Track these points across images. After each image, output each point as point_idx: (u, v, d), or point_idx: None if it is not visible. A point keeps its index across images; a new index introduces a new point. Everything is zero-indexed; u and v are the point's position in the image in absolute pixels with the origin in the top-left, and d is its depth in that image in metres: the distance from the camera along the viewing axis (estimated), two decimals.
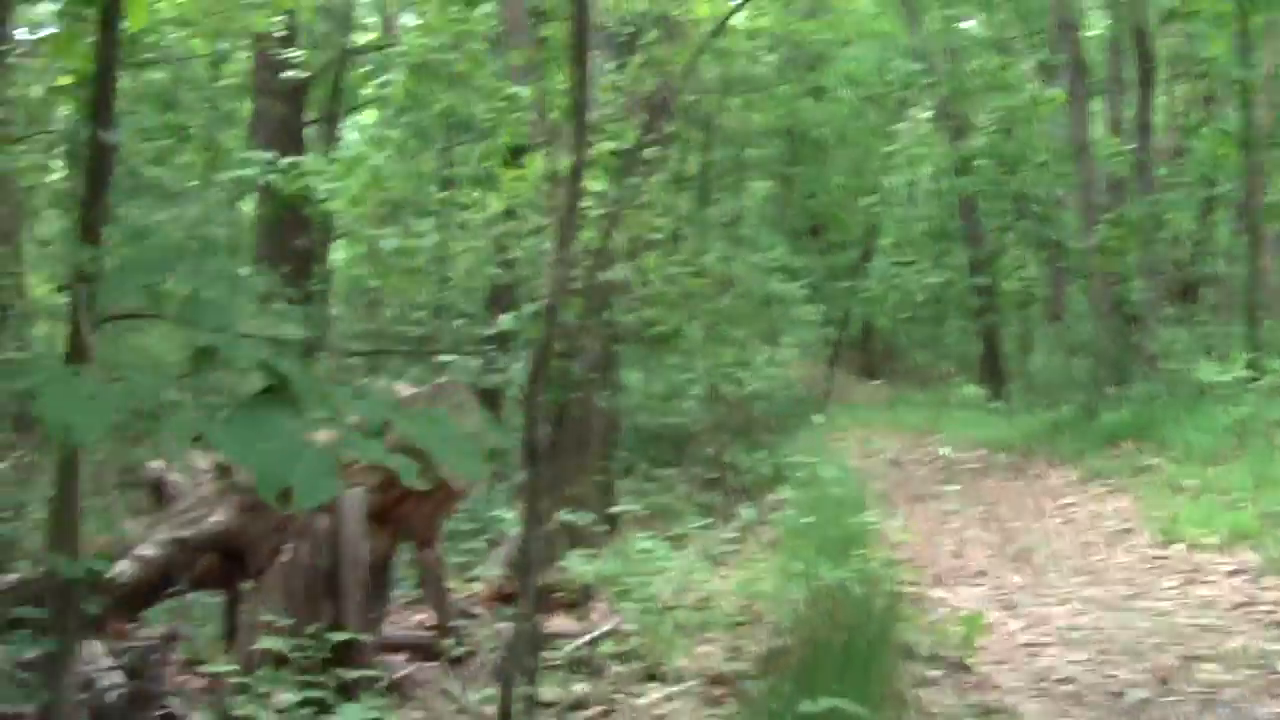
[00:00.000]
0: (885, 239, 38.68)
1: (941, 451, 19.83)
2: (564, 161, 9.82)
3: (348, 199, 17.52)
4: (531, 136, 15.73)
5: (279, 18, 17.50)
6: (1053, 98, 27.11)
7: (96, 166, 5.35)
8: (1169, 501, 13.08)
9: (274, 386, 3.27)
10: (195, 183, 22.14)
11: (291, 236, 21.82)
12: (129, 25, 5.74)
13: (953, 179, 30.14)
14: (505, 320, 15.37)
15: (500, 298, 15.71)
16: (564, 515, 12.71)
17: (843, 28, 32.71)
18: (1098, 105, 27.76)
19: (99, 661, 7.44)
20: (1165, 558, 11.26)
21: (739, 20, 40.58)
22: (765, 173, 42.01)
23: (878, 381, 37.95)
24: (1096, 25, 30.48)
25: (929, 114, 34.84)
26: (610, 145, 14.13)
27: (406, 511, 10.47)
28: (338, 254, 26.78)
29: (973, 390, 25.57)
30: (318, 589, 7.37)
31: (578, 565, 11.68)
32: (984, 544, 12.83)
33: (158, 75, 21.80)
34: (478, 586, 12.05)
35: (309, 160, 18.14)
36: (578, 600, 11.05)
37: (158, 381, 3.34)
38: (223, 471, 10.68)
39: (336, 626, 7.04)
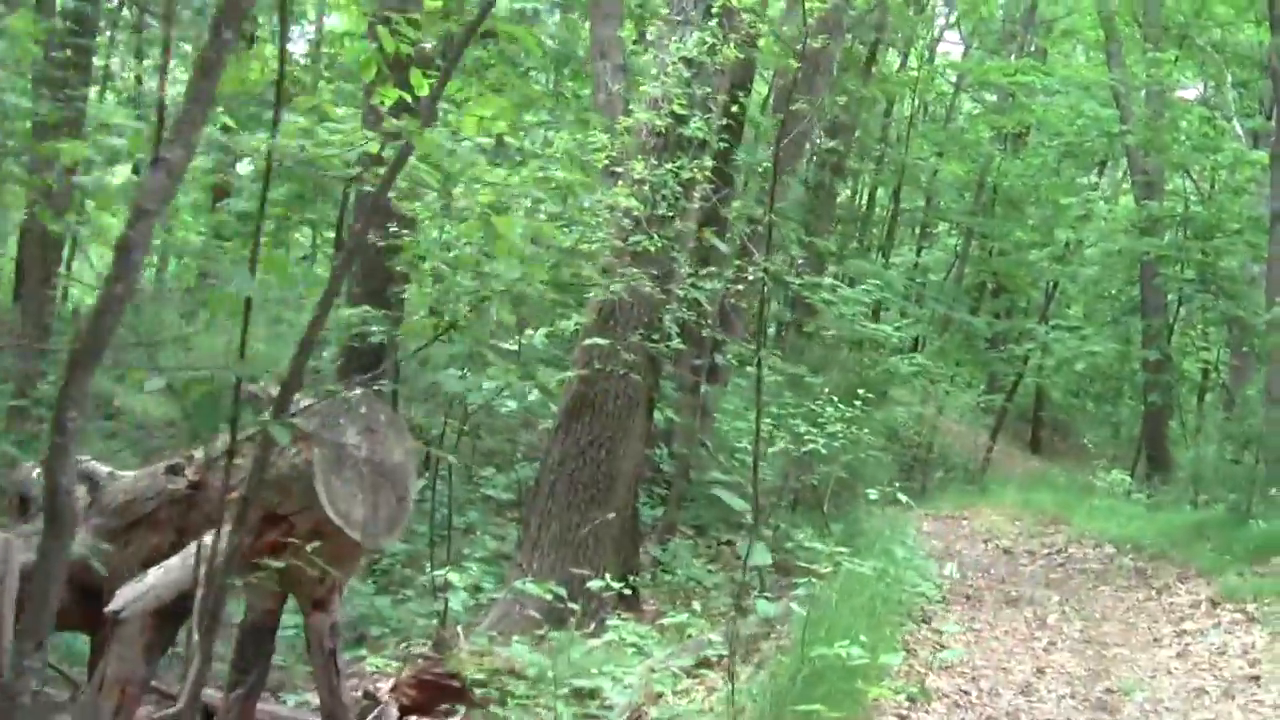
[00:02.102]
0: (1068, 304, 35.62)
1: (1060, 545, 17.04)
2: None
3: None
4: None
5: None
6: (1256, 159, 24.54)
7: None
8: None
9: None
10: None
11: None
12: None
13: (1135, 240, 26.98)
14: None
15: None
16: (526, 586, 10.20)
17: (1052, 73, 30.11)
18: None
19: None
20: None
21: (938, 57, 38.77)
22: (953, 223, 39.54)
23: (1039, 458, 35.20)
24: None
25: (1123, 170, 32.27)
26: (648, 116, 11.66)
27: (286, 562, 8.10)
28: None
29: (1118, 477, 22.55)
30: None
31: (523, 654, 9.17)
32: (1067, 677, 10.01)
33: None
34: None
35: None
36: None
37: None
38: (91, 486, 8.43)
39: None
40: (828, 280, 15.73)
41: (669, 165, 11.45)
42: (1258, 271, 25.47)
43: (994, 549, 17.47)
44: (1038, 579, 14.83)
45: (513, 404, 12.04)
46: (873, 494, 11.47)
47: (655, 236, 11.28)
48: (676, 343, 12.51)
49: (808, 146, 30.81)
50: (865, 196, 41.67)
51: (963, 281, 39.43)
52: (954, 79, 39.02)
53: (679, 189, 11.48)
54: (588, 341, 12.06)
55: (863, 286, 15.62)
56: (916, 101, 40.32)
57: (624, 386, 12.15)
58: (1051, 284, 35.38)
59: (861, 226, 40.34)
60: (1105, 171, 38.74)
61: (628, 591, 11.25)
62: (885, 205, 40.36)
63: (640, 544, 12.91)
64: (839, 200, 37.07)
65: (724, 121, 12.61)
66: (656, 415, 13.72)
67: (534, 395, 11.98)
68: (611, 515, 11.90)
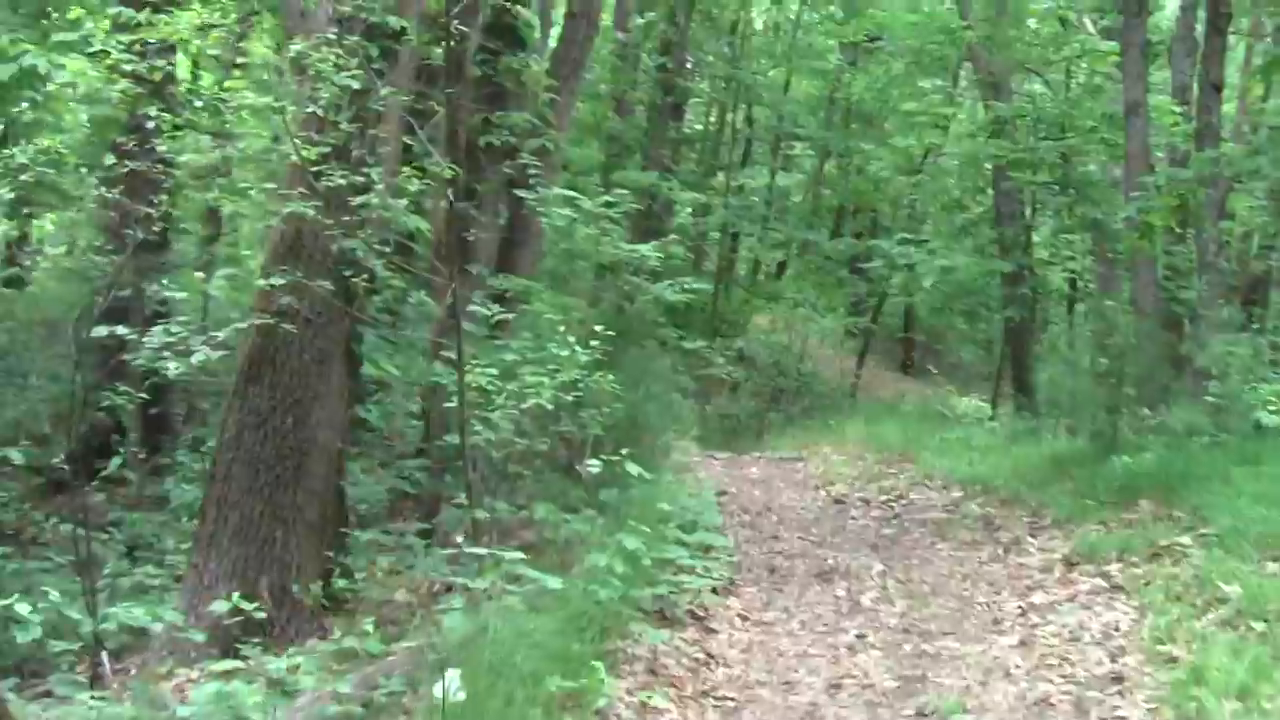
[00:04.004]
0: (924, 218, 33.48)
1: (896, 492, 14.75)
2: None
3: None
4: None
5: None
6: (1107, 51, 22.53)
7: None
8: (1192, 624, 7.85)
9: None
10: None
11: None
12: None
13: (983, 143, 24.66)
14: None
15: None
16: (132, 613, 7.64)
17: None
18: (1163, 75, 22.66)
19: None
20: None
21: None
22: (806, 141, 37.24)
23: (911, 380, 33.26)
24: None
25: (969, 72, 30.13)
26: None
27: None
28: None
29: (972, 404, 20.24)
30: None
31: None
32: (870, 693, 7.54)
33: None
34: None
35: None
36: None
37: None
38: None
39: None
40: (556, 193, 13.00)
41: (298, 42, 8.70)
42: (1119, 174, 23.38)
43: (825, 498, 15.11)
44: (865, 538, 12.41)
45: (174, 366, 9.33)
46: (594, 465, 9.02)
47: (304, 146, 8.63)
48: (389, 277, 9.95)
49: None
50: (718, 118, 39.47)
51: (820, 202, 37.33)
52: None
53: (349, 80, 8.69)
54: (262, 282, 9.42)
55: (606, 198, 12.89)
56: (759, 18, 38.02)
57: (313, 337, 9.55)
58: (909, 198, 33.34)
59: (713, 149, 38.14)
60: (959, 80, 36.62)
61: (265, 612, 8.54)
62: (736, 127, 38.15)
63: (349, 532, 10.27)
64: (691, 124, 34.91)
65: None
66: (375, 369, 11.11)
67: (201, 355, 9.28)
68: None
